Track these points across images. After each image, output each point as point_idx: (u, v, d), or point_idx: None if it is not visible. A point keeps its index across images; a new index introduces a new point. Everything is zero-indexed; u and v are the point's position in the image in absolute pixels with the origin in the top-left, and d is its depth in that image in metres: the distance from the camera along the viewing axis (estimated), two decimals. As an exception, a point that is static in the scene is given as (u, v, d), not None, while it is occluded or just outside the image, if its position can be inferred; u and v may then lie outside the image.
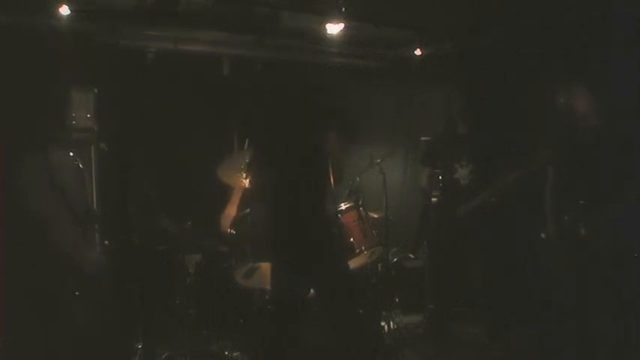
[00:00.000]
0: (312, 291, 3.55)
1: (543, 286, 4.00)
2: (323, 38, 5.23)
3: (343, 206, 4.29)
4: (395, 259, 5.60)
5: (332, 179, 3.31)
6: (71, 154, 3.68)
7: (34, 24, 4.38)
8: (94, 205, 4.31)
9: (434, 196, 4.82)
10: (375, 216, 4.81)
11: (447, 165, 4.61)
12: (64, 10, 4.38)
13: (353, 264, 4.14)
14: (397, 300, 5.48)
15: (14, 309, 3.42)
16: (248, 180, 4.16)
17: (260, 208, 3.47)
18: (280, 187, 3.33)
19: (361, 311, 4.09)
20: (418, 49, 5.92)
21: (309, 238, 3.28)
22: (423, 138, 5.46)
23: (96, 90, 4.50)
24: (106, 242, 4.20)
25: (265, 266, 4.09)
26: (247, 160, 4.17)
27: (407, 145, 6.39)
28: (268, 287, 4.08)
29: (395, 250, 5.65)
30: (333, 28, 5.03)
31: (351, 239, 4.19)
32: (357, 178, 4.77)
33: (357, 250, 4.23)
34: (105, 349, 3.85)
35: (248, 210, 4.25)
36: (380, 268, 5.05)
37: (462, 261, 4.58)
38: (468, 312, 4.93)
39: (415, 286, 5.45)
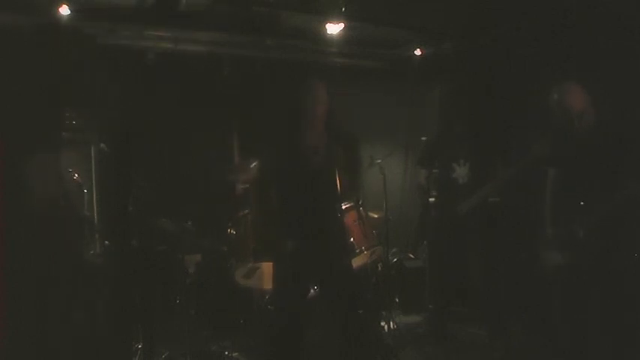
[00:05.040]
0: (313, 290, 3.56)
1: (543, 286, 4.00)
2: (323, 38, 5.23)
3: (343, 206, 4.29)
4: (395, 259, 5.60)
5: (339, 180, 3.31)
6: (70, 169, 3.69)
7: (34, 24, 4.38)
8: (94, 206, 4.32)
9: (433, 196, 4.83)
10: (375, 216, 4.81)
11: (445, 164, 4.61)
12: (64, 10, 4.38)
13: (353, 264, 4.14)
14: (397, 300, 5.48)
15: (14, 309, 3.43)
16: (250, 180, 4.16)
17: (265, 208, 3.47)
18: (287, 188, 3.33)
19: (361, 311, 4.09)
20: (418, 49, 5.93)
21: (314, 237, 3.29)
22: (422, 138, 5.48)
23: (96, 90, 4.50)
24: (106, 242, 4.21)
25: (265, 266, 4.09)
26: (250, 161, 4.18)
27: (407, 145, 6.40)
28: (268, 287, 4.10)
29: (395, 250, 5.66)
30: (333, 28, 5.03)
31: (351, 239, 4.18)
32: (356, 180, 4.76)
33: (357, 250, 4.23)
34: (105, 349, 3.85)
35: (248, 210, 4.25)
36: (380, 268, 5.05)
37: (462, 261, 4.58)
38: (468, 312, 4.93)
39: (415, 286, 5.45)
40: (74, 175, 4.02)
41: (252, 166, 4.21)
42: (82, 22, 4.61)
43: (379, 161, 4.86)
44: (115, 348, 4.00)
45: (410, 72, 6.22)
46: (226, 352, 4.24)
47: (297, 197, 3.31)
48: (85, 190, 4.23)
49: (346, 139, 3.44)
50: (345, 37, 5.23)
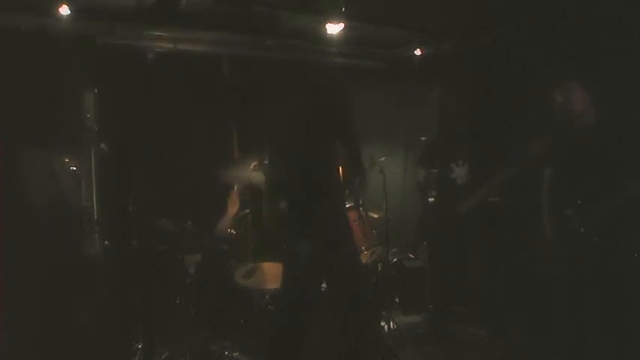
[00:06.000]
0: (323, 286, 3.56)
1: (543, 286, 4.00)
2: (323, 38, 5.23)
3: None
4: (395, 259, 5.60)
5: (341, 177, 3.31)
6: (67, 159, 3.69)
7: (34, 24, 4.38)
8: (94, 205, 4.32)
9: (432, 196, 4.83)
10: (375, 216, 4.81)
11: (445, 164, 4.62)
12: (64, 10, 4.38)
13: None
14: (397, 300, 5.48)
15: (14, 309, 3.43)
16: (250, 180, 4.17)
17: (269, 206, 3.47)
18: (291, 186, 3.33)
19: (361, 311, 4.10)
20: (418, 49, 5.93)
21: (320, 236, 3.29)
22: (422, 138, 5.48)
23: (96, 90, 4.51)
24: (106, 242, 4.21)
25: (265, 266, 4.10)
26: (251, 161, 4.19)
27: (407, 145, 6.40)
28: (268, 287, 4.10)
29: (395, 250, 5.66)
30: (333, 28, 5.03)
31: (354, 238, 4.18)
32: (357, 179, 4.76)
33: (357, 250, 4.23)
34: (105, 349, 3.85)
35: (248, 210, 4.26)
36: (380, 268, 5.06)
37: (462, 261, 4.58)
38: (468, 312, 4.93)
39: (415, 286, 5.45)
40: (71, 167, 4.00)
41: (252, 166, 4.24)
42: (82, 22, 4.61)
43: (381, 159, 4.85)
44: (115, 348, 4.01)
45: (410, 72, 6.22)
46: (226, 352, 4.24)
47: (302, 197, 3.31)
48: (82, 184, 4.22)
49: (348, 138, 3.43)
50: (345, 37, 5.23)
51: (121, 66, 4.92)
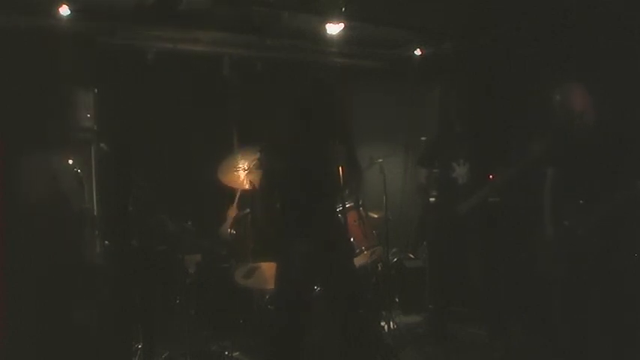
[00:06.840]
0: (316, 289, 3.55)
1: (543, 286, 4.00)
2: (323, 38, 5.23)
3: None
4: (395, 259, 5.60)
5: (340, 178, 3.31)
6: (70, 161, 3.69)
7: (34, 24, 4.38)
8: (94, 205, 4.32)
9: (433, 196, 4.83)
10: (375, 216, 4.81)
11: (445, 164, 4.62)
12: (64, 10, 4.38)
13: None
14: (397, 300, 5.48)
15: (14, 309, 3.43)
16: (250, 180, 4.17)
17: (266, 206, 3.47)
18: (288, 186, 3.33)
19: (361, 311, 4.10)
20: (418, 49, 5.93)
21: (317, 236, 3.29)
22: (422, 138, 5.47)
23: (96, 90, 4.51)
24: (107, 242, 4.21)
25: (265, 266, 4.09)
26: (251, 161, 4.18)
27: (407, 145, 6.40)
28: (268, 287, 4.10)
29: (395, 250, 5.66)
30: (333, 28, 5.03)
31: (351, 239, 4.18)
32: (354, 178, 4.75)
33: (357, 250, 4.23)
34: (105, 349, 3.86)
35: (248, 210, 4.25)
36: (380, 268, 5.06)
37: (462, 261, 4.58)
38: (468, 312, 4.94)
39: (415, 286, 5.46)
40: (75, 169, 4.01)
41: (251, 165, 4.24)
42: (82, 22, 4.61)
43: (380, 161, 4.85)
44: (115, 348, 4.01)
45: (410, 72, 6.22)
46: (226, 352, 4.24)
47: (300, 197, 3.31)
48: (85, 185, 4.22)
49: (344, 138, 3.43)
50: (345, 37, 5.23)
51: (121, 66, 4.92)
